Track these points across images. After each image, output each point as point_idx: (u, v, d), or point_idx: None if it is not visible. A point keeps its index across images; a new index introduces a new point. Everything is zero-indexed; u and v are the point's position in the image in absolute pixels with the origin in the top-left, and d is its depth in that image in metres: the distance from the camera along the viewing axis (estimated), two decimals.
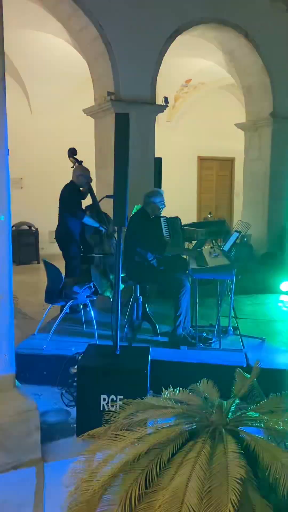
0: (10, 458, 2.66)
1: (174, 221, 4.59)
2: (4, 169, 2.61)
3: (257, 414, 2.05)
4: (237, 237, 4.74)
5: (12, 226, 8.69)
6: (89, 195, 5.24)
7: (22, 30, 7.35)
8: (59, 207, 5.10)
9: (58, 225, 5.12)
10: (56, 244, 5.19)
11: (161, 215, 4.58)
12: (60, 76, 8.82)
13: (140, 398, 2.25)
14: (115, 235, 3.28)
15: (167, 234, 4.39)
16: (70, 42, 6.75)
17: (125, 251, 4.12)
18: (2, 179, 2.60)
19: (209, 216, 8.07)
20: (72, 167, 5.17)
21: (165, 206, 4.54)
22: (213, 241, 5.30)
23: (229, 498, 1.49)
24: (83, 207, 5.14)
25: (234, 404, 2.13)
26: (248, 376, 2.46)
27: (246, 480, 1.60)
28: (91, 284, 4.49)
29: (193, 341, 4.17)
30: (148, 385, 3.04)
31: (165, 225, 4.43)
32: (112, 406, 2.87)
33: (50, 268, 4.41)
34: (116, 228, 3.25)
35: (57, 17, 6.04)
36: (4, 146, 2.60)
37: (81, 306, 4.61)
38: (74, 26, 6.01)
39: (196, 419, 1.99)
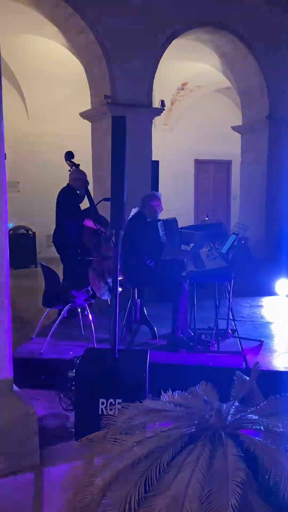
0: (8, 463, 2.63)
1: (171, 224, 4.59)
2: (1, 173, 2.60)
3: (256, 417, 2.03)
4: (235, 240, 4.74)
5: (9, 230, 8.67)
6: (86, 199, 5.24)
7: (18, 35, 7.37)
8: (56, 211, 5.09)
9: (56, 229, 5.11)
10: (53, 248, 5.18)
11: (158, 218, 4.57)
12: (57, 80, 8.84)
13: (139, 401, 2.23)
14: (113, 238, 3.26)
15: (165, 237, 4.38)
16: (66, 46, 6.77)
17: (122, 254, 4.12)
18: None
19: (206, 218, 8.08)
20: (69, 170, 5.17)
21: (162, 209, 4.54)
22: (211, 244, 5.30)
23: (229, 502, 1.48)
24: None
25: (234, 407, 2.12)
26: (248, 378, 2.45)
27: (246, 484, 1.59)
28: (89, 288, 4.48)
29: (191, 344, 4.16)
30: (147, 389, 3.03)
31: (162, 229, 4.42)
32: (110, 410, 2.85)
33: (48, 272, 4.40)
34: (113, 231, 3.24)
35: (54, 21, 6.05)
36: (1, 150, 2.59)
37: (79, 310, 4.60)
38: (71, 30, 6.02)
39: (196, 422, 1.98)
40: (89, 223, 4.89)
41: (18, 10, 6.14)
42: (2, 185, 2.61)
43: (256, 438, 1.85)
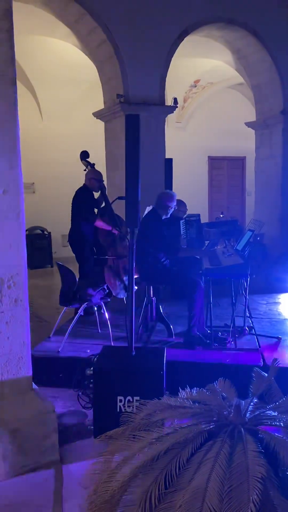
0: (28, 460, 2.67)
1: (192, 223, 4.62)
2: (17, 174, 2.64)
3: (275, 413, 2.02)
4: (251, 236, 4.71)
5: (25, 231, 8.75)
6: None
7: (30, 36, 7.42)
8: (72, 211, 5.13)
9: (71, 229, 5.14)
10: (69, 247, 5.21)
11: (182, 216, 4.62)
12: (70, 80, 8.88)
13: (156, 398, 2.24)
14: (128, 236, 3.27)
15: (185, 237, 4.41)
16: (78, 46, 6.79)
17: (137, 253, 4.12)
18: (15, 183, 2.62)
19: (221, 216, 8.03)
20: (85, 170, 5.19)
21: (176, 207, 4.55)
22: (226, 241, 5.27)
23: (250, 498, 1.48)
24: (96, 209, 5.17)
25: (252, 404, 2.11)
26: (266, 375, 2.43)
27: (267, 479, 1.58)
28: (105, 286, 4.50)
29: (208, 341, 4.14)
30: (164, 386, 3.03)
31: (183, 228, 4.46)
32: (128, 407, 2.87)
33: (64, 271, 4.43)
34: (128, 229, 3.25)
35: (65, 21, 6.09)
36: (17, 152, 2.62)
37: (95, 308, 4.62)
38: (82, 30, 6.04)
39: (214, 418, 1.98)
40: (100, 223, 4.91)
41: (29, 12, 6.19)
42: (19, 186, 2.64)
43: (276, 434, 1.84)
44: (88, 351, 3.97)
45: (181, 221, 4.53)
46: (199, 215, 4.74)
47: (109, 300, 4.59)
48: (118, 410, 2.91)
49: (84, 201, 5.03)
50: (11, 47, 2.54)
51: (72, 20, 5.96)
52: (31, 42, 7.63)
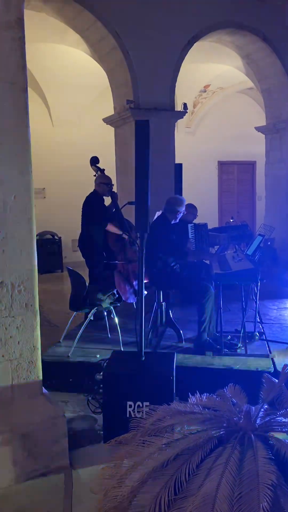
0: (38, 464, 2.67)
1: (201, 228, 4.62)
2: (29, 180, 2.66)
3: (286, 420, 2.00)
4: (261, 241, 4.69)
5: (36, 236, 8.81)
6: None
7: (41, 44, 7.52)
8: (82, 216, 5.16)
9: (81, 234, 5.17)
10: (79, 252, 5.24)
11: (192, 220, 4.64)
12: (80, 87, 8.96)
13: (166, 404, 2.23)
14: (138, 241, 3.28)
15: (193, 240, 4.40)
16: (89, 53, 6.86)
17: (147, 257, 4.13)
18: (26, 189, 2.65)
19: (231, 220, 8.01)
20: (95, 175, 5.23)
21: (185, 212, 4.55)
22: (236, 246, 5.26)
23: (260, 505, 1.46)
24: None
25: (263, 410, 2.10)
26: (276, 381, 2.41)
27: (277, 486, 1.56)
28: (115, 291, 4.51)
29: (218, 346, 4.12)
30: (174, 391, 3.02)
31: (192, 231, 4.45)
32: (138, 412, 2.86)
33: (74, 276, 4.45)
34: (138, 234, 3.26)
35: (76, 29, 6.16)
36: (28, 157, 2.65)
37: (105, 313, 4.63)
38: (93, 37, 6.11)
39: (224, 424, 1.96)
40: (111, 228, 4.93)
41: (41, 20, 6.27)
42: (29, 192, 2.67)
43: (286, 440, 1.82)
44: (98, 356, 3.98)
45: (190, 225, 4.53)
46: (206, 224, 4.76)
47: (118, 304, 4.59)
48: (127, 415, 2.91)
49: (94, 206, 5.06)
50: (22, 56, 2.57)
51: (83, 27, 6.03)
52: (42, 49, 7.72)
